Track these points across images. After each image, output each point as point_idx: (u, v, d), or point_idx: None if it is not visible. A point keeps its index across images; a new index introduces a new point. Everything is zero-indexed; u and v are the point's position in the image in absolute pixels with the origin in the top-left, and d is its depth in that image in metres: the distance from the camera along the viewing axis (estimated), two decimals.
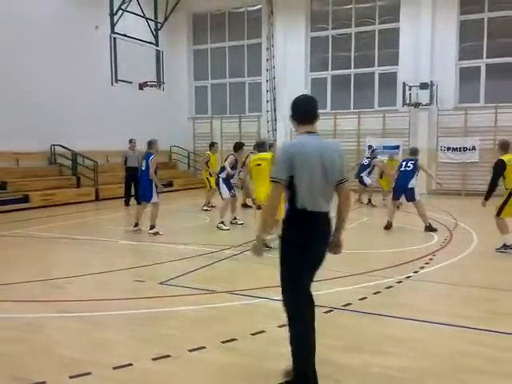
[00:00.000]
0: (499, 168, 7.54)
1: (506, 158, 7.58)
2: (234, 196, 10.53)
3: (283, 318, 4.73)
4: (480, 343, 4.19)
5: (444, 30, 17.18)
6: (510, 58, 16.74)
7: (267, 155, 8.37)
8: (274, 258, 7.38)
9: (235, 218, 10.60)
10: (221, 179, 10.48)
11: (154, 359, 3.83)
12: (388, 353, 4.00)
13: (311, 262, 3.44)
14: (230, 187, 10.46)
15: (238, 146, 11.08)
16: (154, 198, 9.51)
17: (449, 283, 6.16)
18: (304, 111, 3.48)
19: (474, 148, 16.88)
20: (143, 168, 9.55)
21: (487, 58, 17.08)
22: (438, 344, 4.24)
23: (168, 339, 4.29)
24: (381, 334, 4.43)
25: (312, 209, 3.24)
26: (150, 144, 9.70)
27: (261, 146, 8.95)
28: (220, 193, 10.60)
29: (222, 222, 9.97)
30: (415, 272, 6.40)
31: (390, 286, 5.84)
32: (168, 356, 3.89)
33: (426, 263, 6.87)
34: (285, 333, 4.44)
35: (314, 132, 3.44)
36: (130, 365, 3.73)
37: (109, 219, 12.52)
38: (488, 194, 7.63)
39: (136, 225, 9.72)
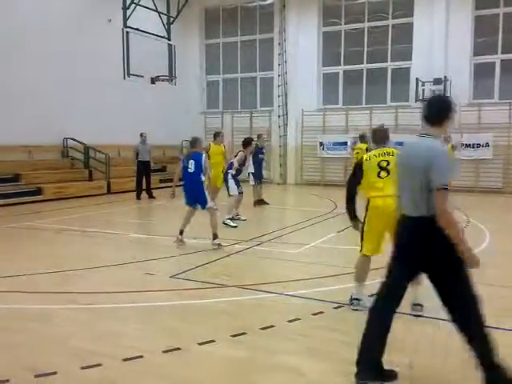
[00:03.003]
0: None
1: None
2: (241, 193, 10.33)
3: (292, 312, 4.78)
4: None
5: (458, 26, 16.96)
6: None
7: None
8: (282, 253, 7.42)
9: (238, 215, 10.48)
10: (229, 175, 10.25)
11: (164, 352, 3.85)
12: (398, 349, 3.98)
13: None
14: (238, 184, 10.25)
15: (247, 143, 10.88)
16: (210, 203, 8.00)
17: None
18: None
19: (487, 144, 16.70)
20: (191, 170, 7.92)
21: (502, 53, 16.87)
22: (448, 341, 4.21)
23: (178, 332, 4.32)
24: (391, 329, 4.40)
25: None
26: (195, 142, 8.24)
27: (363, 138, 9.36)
28: (228, 189, 10.33)
29: (231, 219, 9.87)
30: None
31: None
32: (178, 349, 3.91)
33: None
34: (294, 327, 4.48)
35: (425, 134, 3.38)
36: (141, 357, 3.76)
37: (120, 212, 12.60)
38: None
39: (181, 232, 8.00)
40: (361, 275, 4.87)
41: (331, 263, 6.89)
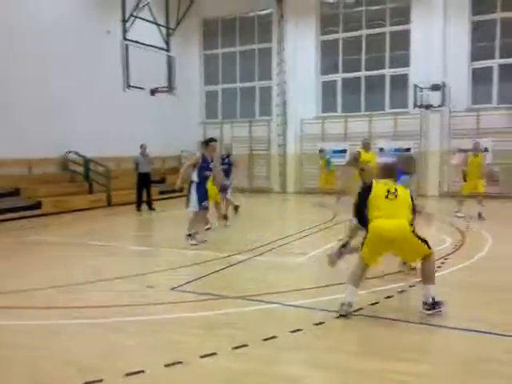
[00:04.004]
0: None
1: None
2: (204, 209, 8.98)
3: (294, 322, 4.76)
4: (496, 348, 4.12)
5: (456, 31, 17.05)
6: None
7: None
8: (284, 262, 7.40)
9: (197, 233, 8.98)
10: (194, 184, 8.76)
11: (166, 366, 3.83)
12: (402, 359, 3.95)
13: None
14: (202, 197, 8.76)
15: (205, 143, 9.19)
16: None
17: (462, 287, 6.09)
18: None
19: (486, 150, 16.69)
20: None
21: (500, 58, 16.93)
22: (452, 349, 4.19)
23: (180, 345, 4.29)
24: (394, 339, 4.39)
25: None
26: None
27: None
28: (188, 201, 8.87)
29: (190, 235, 8.74)
30: None
31: (403, 291, 5.78)
32: (180, 362, 3.88)
33: (439, 267, 6.79)
34: (296, 338, 4.46)
35: None
36: (142, 371, 3.73)
37: (121, 225, 12.59)
38: None
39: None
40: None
41: (333, 272, 6.86)
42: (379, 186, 5.01)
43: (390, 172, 5.21)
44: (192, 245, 8.58)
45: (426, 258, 4.95)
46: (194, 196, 8.66)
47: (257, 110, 21.20)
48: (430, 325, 4.67)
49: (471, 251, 7.89)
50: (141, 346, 4.32)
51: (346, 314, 4.79)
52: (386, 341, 4.35)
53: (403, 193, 5.00)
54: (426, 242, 4.92)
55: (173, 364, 3.85)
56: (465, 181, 11.89)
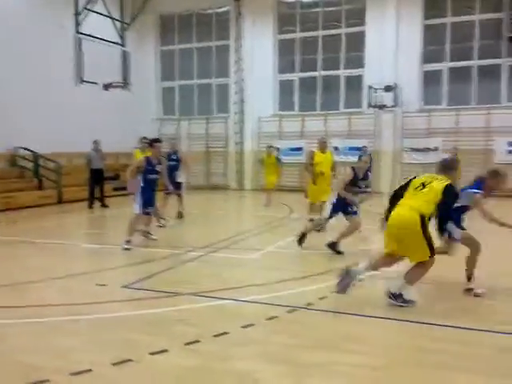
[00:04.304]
0: None
1: None
2: (147, 214, 8.60)
3: (246, 318, 4.76)
4: (445, 339, 4.26)
5: (408, 34, 17.54)
6: (472, 61, 17.25)
7: None
8: (238, 258, 7.40)
9: (148, 233, 8.88)
10: (140, 188, 8.34)
11: (114, 364, 3.74)
12: (351, 351, 4.02)
13: None
14: (148, 201, 8.39)
15: (149, 144, 8.86)
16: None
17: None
18: None
19: (436, 149, 17.27)
20: None
21: (450, 61, 17.53)
22: (402, 341, 4.30)
23: (130, 343, 4.21)
24: (343, 331, 4.46)
25: None
26: None
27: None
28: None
29: (129, 241, 8.11)
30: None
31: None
32: (129, 360, 3.80)
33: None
34: (248, 333, 4.46)
35: None
36: (89, 370, 3.64)
37: (72, 222, 12.25)
38: None
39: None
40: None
41: (287, 267, 6.93)
42: (418, 179, 5.12)
43: (443, 168, 5.30)
44: (125, 249, 7.93)
45: (423, 263, 4.98)
46: (138, 200, 8.28)
47: (214, 107, 21.11)
48: (379, 317, 4.78)
49: None
50: (89, 345, 4.21)
51: (346, 272, 5.05)
52: (335, 333, 4.43)
53: (436, 186, 4.91)
54: (431, 247, 4.88)
55: (122, 362, 3.77)
56: None
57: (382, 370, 3.71)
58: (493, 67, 17.07)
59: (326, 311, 5.00)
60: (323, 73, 19.30)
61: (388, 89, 17.15)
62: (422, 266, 5.02)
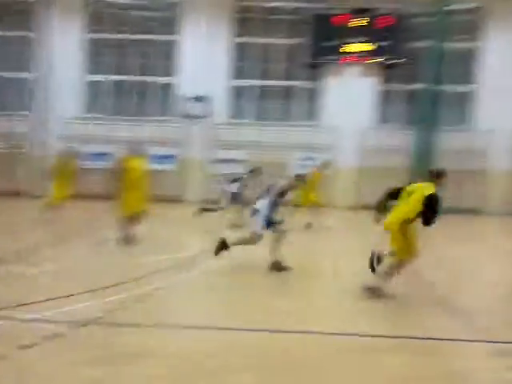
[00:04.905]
0: None
1: None
2: None
3: (24, 338, 4.24)
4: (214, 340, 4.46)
5: (219, 49, 18.34)
6: (280, 81, 18.79)
7: None
8: (22, 273, 6.53)
9: None
10: None
11: None
12: (136, 363, 3.97)
13: None
14: None
15: None
16: None
17: (208, 288, 6.50)
18: None
19: (242, 161, 18.19)
20: None
21: (260, 79, 18.80)
22: (189, 348, 4.37)
23: None
24: (133, 344, 4.38)
25: None
26: None
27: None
28: None
29: None
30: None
31: (148, 295, 5.85)
32: None
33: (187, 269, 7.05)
34: (28, 355, 3.98)
35: None
36: None
37: None
38: None
39: None
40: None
41: (80, 280, 6.51)
42: (408, 188, 5.97)
43: (430, 177, 6.09)
44: None
45: (396, 259, 5.89)
46: None
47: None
48: (172, 327, 4.81)
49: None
50: None
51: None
52: (118, 347, 4.34)
53: (418, 195, 5.74)
54: (406, 248, 5.84)
55: None
56: None
57: (169, 379, 3.73)
58: (292, 88, 18.80)
59: (111, 324, 4.88)
60: (135, 78, 18.97)
61: (199, 99, 17.65)
62: (395, 262, 5.99)
